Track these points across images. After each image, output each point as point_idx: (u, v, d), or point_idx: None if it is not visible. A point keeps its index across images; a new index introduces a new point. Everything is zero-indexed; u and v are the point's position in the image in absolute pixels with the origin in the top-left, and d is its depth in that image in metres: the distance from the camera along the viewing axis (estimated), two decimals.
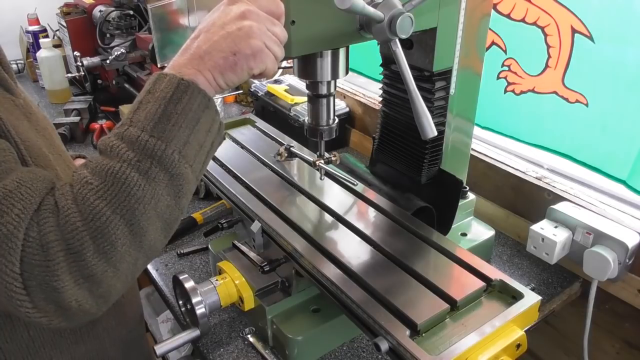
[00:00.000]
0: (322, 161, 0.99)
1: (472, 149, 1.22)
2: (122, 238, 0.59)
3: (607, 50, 1.04)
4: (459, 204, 1.06)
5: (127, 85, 1.90)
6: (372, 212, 1.01)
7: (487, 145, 1.38)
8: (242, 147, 1.27)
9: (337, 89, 1.54)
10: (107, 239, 0.58)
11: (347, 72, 0.88)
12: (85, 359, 0.85)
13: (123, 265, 0.61)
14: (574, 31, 1.08)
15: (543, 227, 1.11)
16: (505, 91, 1.25)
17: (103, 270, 0.59)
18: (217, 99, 1.86)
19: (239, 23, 0.64)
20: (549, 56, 1.14)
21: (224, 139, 0.69)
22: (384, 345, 0.72)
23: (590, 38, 1.06)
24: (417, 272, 0.84)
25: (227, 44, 0.63)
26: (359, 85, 1.76)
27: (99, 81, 1.97)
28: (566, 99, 1.13)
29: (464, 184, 1.12)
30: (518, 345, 0.75)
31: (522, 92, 1.22)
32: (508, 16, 1.18)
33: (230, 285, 0.95)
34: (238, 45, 0.63)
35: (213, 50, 0.64)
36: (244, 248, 1.01)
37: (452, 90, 0.98)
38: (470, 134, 1.09)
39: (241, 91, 2.06)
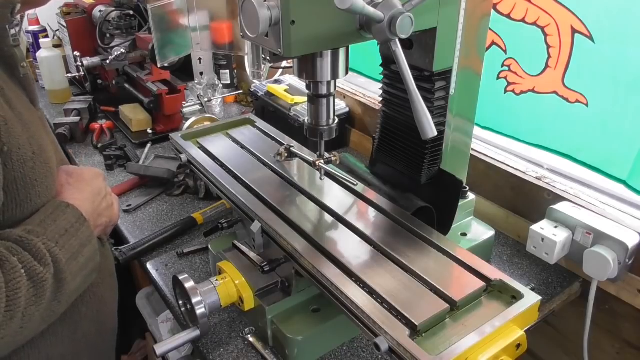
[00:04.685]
0: (322, 161, 0.99)
1: (472, 149, 1.22)
2: None
3: (607, 50, 1.04)
4: (459, 204, 1.06)
5: (127, 85, 1.89)
6: (372, 212, 1.01)
7: (487, 145, 1.38)
8: (242, 147, 1.27)
9: (337, 89, 1.54)
10: None
11: (347, 72, 0.89)
12: None
13: None
14: (574, 31, 1.08)
15: (543, 227, 1.11)
16: (505, 91, 1.25)
17: None
18: (217, 99, 1.86)
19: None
20: (549, 56, 1.14)
21: None
22: (384, 345, 0.72)
23: (590, 38, 1.06)
24: (417, 272, 0.84)
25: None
26: (359, 85, 1.76)
27: (99, 81, 1.97)
28: (566, 99, 1.13)
29: (464, 184, 1.12)
30: (518, 345, 0.75)
31: (522, 92, 1.22)
32: (508, 16, 1.18)
33: (230, 285, 0.95)
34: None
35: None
36: (244, 248, 1.01)
37: (452, 90, 0.98)
38: (470, 134, 1.09)
39: (241, 91, 2.06)
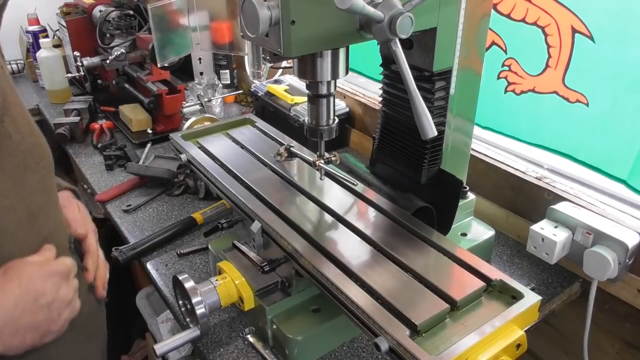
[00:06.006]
0: (322, 161, 0.99)
1: (472, 149, 1.22)
2: None
3: (607, 50, 1.04)
4: (459, 204, 1.06)
5: (127, 85, 1.89)
6: (372, 212, 1.01)
7: (487, 145, 1.38)
8: (242, 147, 1.27)
9: (337, 89, 1.54)
10: None
11: (347, 72, 0.89)
12: None
13: None
14: (574, 31, 1.08)
15: (543, 227, 1.11)
16: (506, 91, 1.25)
17: None
18: (217, 99, 1.86)
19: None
20: (549, 56, 1.14)
21: None
22: (384, 345, 0.72)
23: (591, 38, 1.06)
24: (417, 272, 0.84)
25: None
26: (359, 85, 1.76)
27: (99, 81, 1.97)
28: (566, 99, 1.13)
29: (464, 184, 1.12)
30: (518, 345, 0.75)
31: (522, 92, 1.22)
32: (508, 16, 1.18)
33: (230, 285, 0.95)
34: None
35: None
36: (244, 248, 1.01)
37: (452, 90, 0.98)
38: (470, 134, 1.09)
39: (241, 91, 2.06)
